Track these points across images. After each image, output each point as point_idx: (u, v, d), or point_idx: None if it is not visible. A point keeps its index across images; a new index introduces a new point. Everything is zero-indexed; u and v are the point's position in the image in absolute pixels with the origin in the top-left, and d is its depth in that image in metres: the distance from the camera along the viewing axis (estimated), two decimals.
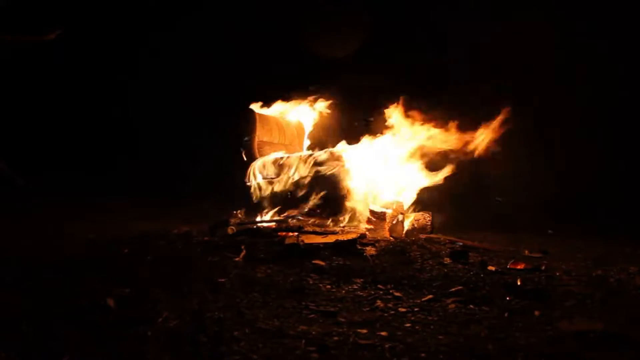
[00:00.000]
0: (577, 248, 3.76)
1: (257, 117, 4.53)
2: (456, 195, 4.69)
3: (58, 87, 8.64)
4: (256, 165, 4.36)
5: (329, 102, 4.99)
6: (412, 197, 4.06)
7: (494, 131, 3.93)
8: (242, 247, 3.18)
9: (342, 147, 4.17)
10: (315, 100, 4.99)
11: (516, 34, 5.78)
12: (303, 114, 5.06)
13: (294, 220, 3.81)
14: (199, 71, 8.63)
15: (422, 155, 4.09)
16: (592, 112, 6.35)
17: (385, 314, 2.03)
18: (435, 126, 4.05)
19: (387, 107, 4.26)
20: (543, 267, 2.90)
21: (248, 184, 4.41)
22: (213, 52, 8.52)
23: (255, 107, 4.76)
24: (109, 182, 7.62)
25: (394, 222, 3.63)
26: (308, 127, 5.05)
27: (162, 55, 8.71)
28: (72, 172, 7.80)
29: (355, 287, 2.46)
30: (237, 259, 3.01)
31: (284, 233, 3.52)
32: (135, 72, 8.61)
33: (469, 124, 4.04)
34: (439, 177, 3.96)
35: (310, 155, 4.07)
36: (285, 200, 4.13)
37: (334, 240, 3.18)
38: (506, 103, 3.97)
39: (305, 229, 3.54)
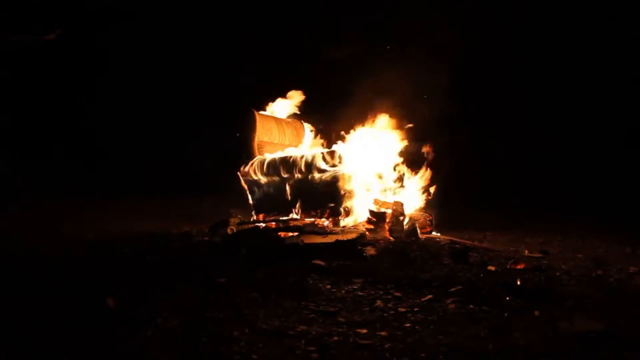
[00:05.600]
0: (577, 248, 3.76)
1: (257, 117, 4.53)
2: (455, 196, 4.70)
3: (56, 85, 8.64)
4: (256, 165, 4.35)
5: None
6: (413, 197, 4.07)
7: None
8: (242, 247, 3.18)
9: (341, 147, 4.16)
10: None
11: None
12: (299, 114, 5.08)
13: (294, 220, 3.81)
14: (199, 70, 8.64)
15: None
16: None
17: (385, 314, 2.03)
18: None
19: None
20: (543, 267, 2.90)
21: (248, 183, 4.41)
22: (213, 51, 8.53)
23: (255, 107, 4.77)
24: (108, 182, 7.62)
25: (394, 222, 3.63)
26: (307, 127, 5.05)
27: (162, 54, 8.71)
28: (72, 173, 7.80)
29: (355, 287, 2.46)
30: (237, 259, 3.01)
31: (284, 233, 3.52)
32: (136, 71, 8.60)
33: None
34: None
35: (310, 154, 4.07)
36: (285, 200, 4.13)
37: (334, 240, 3.17)
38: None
39: (305, 229, 3.53)
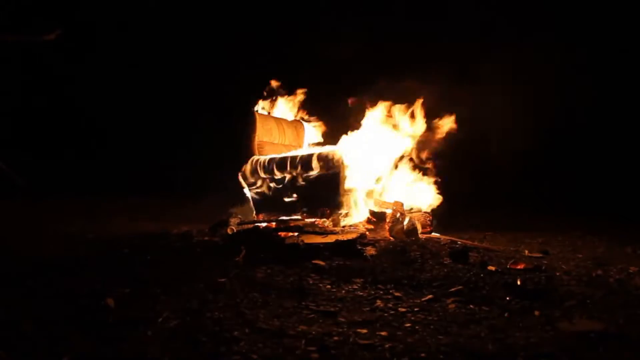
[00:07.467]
0: (577, 248, 3.76)
1: (257, 117, 4.53)
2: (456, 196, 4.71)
3: (56, 85, 8.64)
4: (256, 164, 4.36)
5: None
6: (412, 197, 4.07)
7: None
8: (242, 247, 3.18)
9: (341, 147, 4.16)
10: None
11: None
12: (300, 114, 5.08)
13: (294, 220, 3.81)
14: (200, 70, 8.65)
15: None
16: None
17: (385, 314, 2.03)
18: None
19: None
20: (543, 267, 2.89)
21: (248, 183, 4.41)
22: (213, 51, 8.53)
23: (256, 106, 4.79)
24: (109, 182, 7.61)
25: (394, 222, 3.63)
26: (307, 127, 5.05)
27: (162, 54, 8.71)
28: (72, 172, 7.80)
29: (355, 287, 2.46)
30: (237, 259, 3.01)
31: (284, 233, 3.52)
32: (137, 71, 8.61)
33: None
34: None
35: (310, 154, 4.07)
36: (285, 200, 4.13)
37: (334, 240, 3.17)
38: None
39: (305, 229, 3.54)
